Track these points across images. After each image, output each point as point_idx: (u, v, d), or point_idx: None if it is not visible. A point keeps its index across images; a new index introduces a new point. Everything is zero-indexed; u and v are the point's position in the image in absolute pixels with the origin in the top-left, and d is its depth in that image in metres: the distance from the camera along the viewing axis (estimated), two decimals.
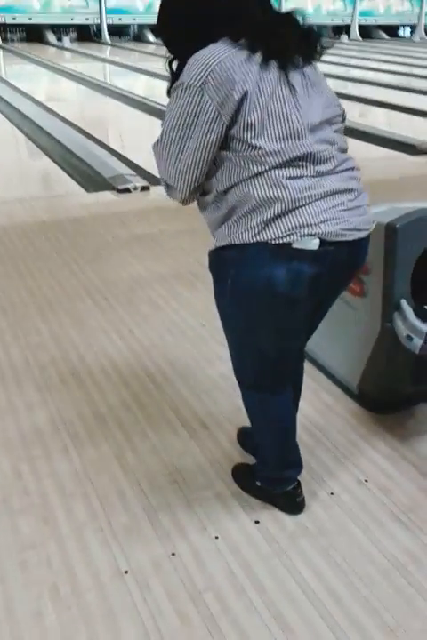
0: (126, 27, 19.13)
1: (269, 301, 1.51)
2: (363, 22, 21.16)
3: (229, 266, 1.53)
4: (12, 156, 6.36)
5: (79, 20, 18.00)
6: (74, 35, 18.42)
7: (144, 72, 12.52)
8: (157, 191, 4.98)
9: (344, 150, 1.57)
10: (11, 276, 3.45)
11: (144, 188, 4.98)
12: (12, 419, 2.27)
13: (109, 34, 18.18)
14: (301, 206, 1.44)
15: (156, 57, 15.37)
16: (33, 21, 17.52)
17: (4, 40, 17.32)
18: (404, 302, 2.13)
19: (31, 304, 3.13)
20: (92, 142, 6.61)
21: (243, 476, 1.99)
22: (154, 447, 2.14)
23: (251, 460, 2.02)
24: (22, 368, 2.59)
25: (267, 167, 1.42)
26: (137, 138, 7.36)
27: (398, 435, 2.25)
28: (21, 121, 7.66)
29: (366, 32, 21.21)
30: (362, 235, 1.54)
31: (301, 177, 1.44)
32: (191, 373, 2.59)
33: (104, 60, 14.99)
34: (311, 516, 1.88)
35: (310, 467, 2.06)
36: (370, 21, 21.53)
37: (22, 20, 17.41)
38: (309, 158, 1.45)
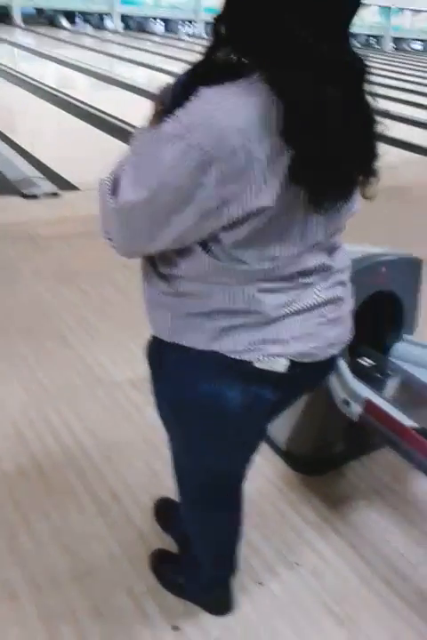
0: (40, 11, 18.20)
1: (215, 423, 1.20)
2: None
3: (170, 370, 1.20)
4: None
5: None
6: None
7: (56, 60, 11.89)
8: (67, 198, 4.61)
9: (339, 246, 1.21)
10: None
11: (53, 194, 4.57)
12: None
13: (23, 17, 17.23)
14: (275, 319, 1.11)
15: (69, 45, 14.75)
16: None
17: None
18: (340, 360, 1.94)
19: None
20: None
21: (163, 569, 1.72)
22: (54, 529, 1.82)
23: (171, 543, 1.76)
24: None
25: (244, 281, 1.07)
26: (46, 134, 6.88)
27: (329, 500, 2.06)
28: None
29: None
30: (335, 351, 1.23)
31: (281, 290, 1.10)
32: (101, 427, 2.28)
33: (14, 45, 14.13)
34: (239, 617, 1.64)
35: None
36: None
37: None
38: (297, 274, 1.10)
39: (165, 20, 20.37)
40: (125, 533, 1.83)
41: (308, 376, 1.22)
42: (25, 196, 4.47)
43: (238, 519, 1.53)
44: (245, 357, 1.11)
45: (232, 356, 1.11)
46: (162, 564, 1.73)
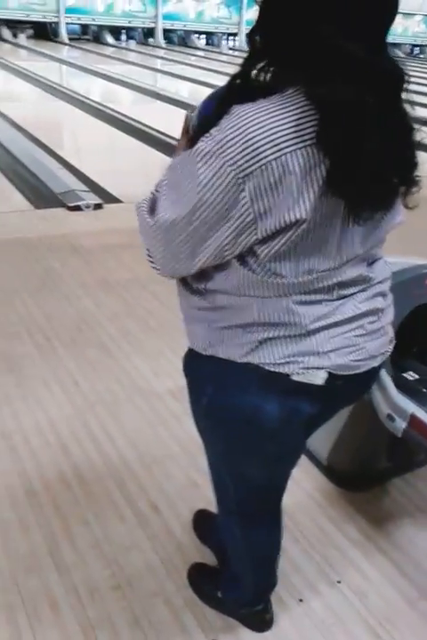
0: (85, 27, 18.65)
1: (252, 436, 1.19)
2: None
3: (207, 382, 1.19)
4: None
5: (36, 17, 17.38)
6: (30, 32, 17.79)
7: (101, 75, 12.13)
8: (111, 210, 4.69)
9: (380, 257, 1.19)
10: None
11: (97, 206, 4.64)
12: None
13: (68, 33, 17.70)
14: (313, 331, 1.09)
15: (115, 60, 15.05)
16: None
17: None
18: (383, 373, 1.89)
19: None
20: (43, 151, 6.22)
21: (201, 582, 1.71)
22: (95, 539, 1.83)
23: (210, 555, 1.75)
24: None
25: (280, 294, 1.05)
26: (91, 148, 7.02)
27: (372, 518, 2.01)
28: None
29: None
30: (376, 363, 1.19)
31: (319, 302, 1.08)
32: (142, 437, 2.29)
33: (61, 61, 14.50)
34: (278, 633, 1.61)
35: None
36: None
37: None
38: (335, 286, 1.08)
39: (208, 34, 20.57)
40: (165, 545, 1.83)
41: (348, 389, 1.19)
42: (69, 208, 4.55)
43: (277, 534, 1.51)
44: (283, 370, 1.10)
45: (269, 369, 1.10)
46: (200, 578, 1.72)
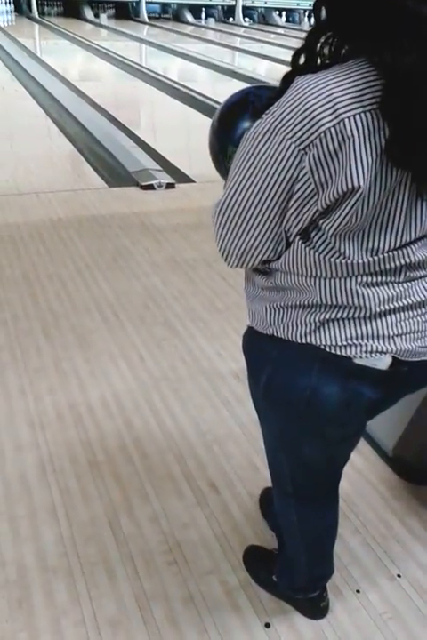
0: (165, 6, 18.73)
1: (310, 418, 1.16)
2: None
3: (266, 361, 1.17)
4: (34, 142, 6.08)
5: None
6: (111, 12, 18.08)
7: (180, 54, 12.17)
8: (183, 190, 4.70)
9: None
10: (18, 282, 3.19)
11: (169, 186, 4.67)
12: None
13: (148, 13, 17.85)
14: (378, 313, 1.05)
15: (193, 38, 15.05)
16: None
17: (41, 14, 17.07)
18: None
19: (35, 318, 2.86)
20: (120, 130, 6.32)
21: (256, 565, 1.70)
22: (153, 513, 1.86)
23: (267, 539, 1.73)
24: (16, 397, 2.32)
25: (345, 274, 1.02)
26: (166, 127, 7.06)
27: None
28: (49, 103, 7.40)
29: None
30: None
31: (386, 284, 1.04)
32: (203, 416, 2.30)
33: (140, 40, 14.65)
34: (333, 623, 1.58)
35: (335, 552, 1.76)
36: None
37: None
38: (404, 267, 1.04)
39: (288, 11, 20.15)
40: (221, 525, 1.83)
41: (415, 375, 1.15)
42: (142, 187, 4.61)
43: (332, 518, 1.48)
44: (345, 353, 1.07)
45: (331, 351, 1.07)
46: (256, 561, 1.71)
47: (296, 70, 0.99)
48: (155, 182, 4.63)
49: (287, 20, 20.23)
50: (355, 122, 0.89)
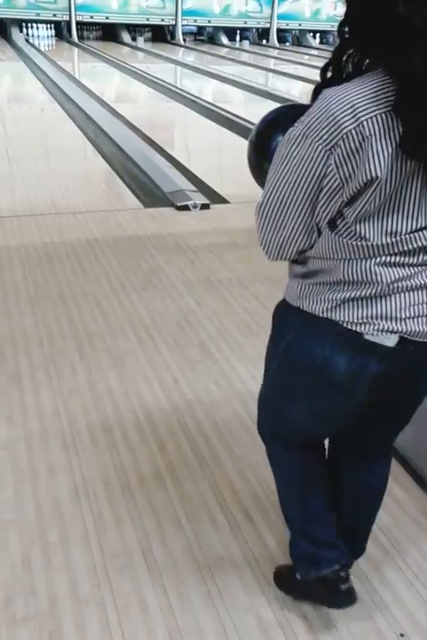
0: (202, 28, 18.96)
1: (318, 384, 1.31)
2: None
3: (289, 329, 1.33)
4: (71, 162, 6.16)
5: (155, 20, 17.94)
6: (148, 35, 18.40)
7: (215, 76, 12.27)
8: (217, 211, 4.69)
9: None
10: (53, 301, 3.20)
11: (204, 206, 4.67)
12: (30, 485, 1.99)
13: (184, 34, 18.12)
14: (391, 295, 1.20)
15: (228, 60, 15.18)
16: (109, 20, 17.58)
17: (81, 38, 17.48)
18: None
19: (70, 337, 2.86)
20: (155, 151, 6.37)
21: (285, 577, 1.67)
22: (187, 542, 1.81)
23: None
24: (50, 418, 2.31)
25: (365, 255, 1.17)
26: (201, 148, 7.10)
27: None
28: (86, 123, 7.52)
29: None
30: None
31: (402, 265, 1.18)
32: (238, 441, 2.25)
33: (176, 62, 14.85)
34: None
35: (375, 591, 1.68)
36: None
37: (99, 18, 17.50)
38: (420, 250, 1.17)
39: (322, 33, 20.18)
40: (257, 557, 1.77)
41: (421, 354, 1.25)
42: (177, 208, 4.61)
43: (318, 466, 1.56)
44: (358, 329, 1.21)
45: (346, 326, 1.22)
46: (285, 573, 1.68)
47: (324, 83, 1.17)
48: (190, 203, 4.63)
49: (321, 42, 20.26)
50: (372, 123, 1.06)
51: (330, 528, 1.54)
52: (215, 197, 4.97)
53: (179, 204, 4.63)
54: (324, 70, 1.19)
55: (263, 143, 1.40)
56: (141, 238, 4.09)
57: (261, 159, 1.40)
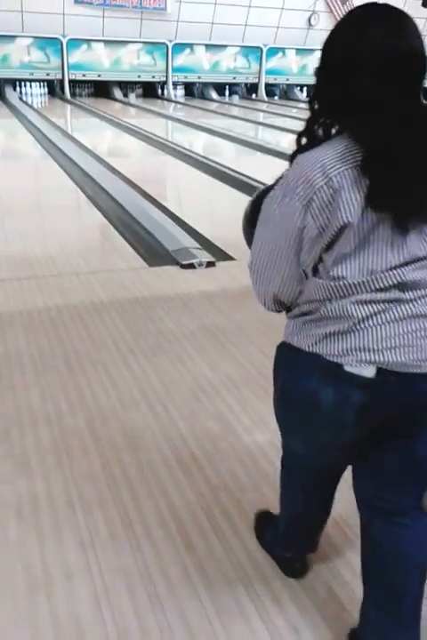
0: (192, 84, 19.29)
1: (312, 417, 1.39)
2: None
3: (284, 367, 1.46)
4: (70, 220, 6.04)
5: (146, 77, 18.23)
6: (140, 91, 18.65)
7: (206, 130, 12.37)
8: (224, 268, 4.56)
9: None
10: (60, 370, 3.01)
11: (210, 264, 4.54)
12: (46, 597, 1.77)
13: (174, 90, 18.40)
14: (365, 328, 1.28)
15: (218, 114, 15.38)
16: (102, 78, 17.83)
17: (73, 95, 17.67)
18: None
19: (81, 414, 2.65)
20: (152, 205, 6.27)
21: (261, 523, 2.00)
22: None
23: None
24: (64, 511, 2.09)
25: (343, 294, 1.28)
26: (201, 203, 7.03)
27: None
28: (83, 179, 7.43)
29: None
30: None
31: (375, 302, 1.27)
32: (245, 496, 2.10)
33: (167, 117, 15.01)
34: None
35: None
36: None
37: (92, 76, 17.74)
38: (395, 286, 1.27)
39: (309, 86, 20.61)
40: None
41: (406, 388, 1.30)
42: (182, 266, 4.47)
43: (314, 505, 1.73)
44: (338, 361, 1.30)
45: (329, 359, 1.31)
46: (262, 520, 1.99)
47: (299, 149, 1.34)
48: (195, 261, 4.50)
49: (308, 96, 20.52)
50: (341, 177, 1.22)
51: (308, 539, 1.81)
52: (220, 256, 4.81)
53: (184, 263, 4.49)
54: (299, 138, 1.36)
55: (253, 221, 1.48)
56: (148, 299, 3.93)
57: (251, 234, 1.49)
